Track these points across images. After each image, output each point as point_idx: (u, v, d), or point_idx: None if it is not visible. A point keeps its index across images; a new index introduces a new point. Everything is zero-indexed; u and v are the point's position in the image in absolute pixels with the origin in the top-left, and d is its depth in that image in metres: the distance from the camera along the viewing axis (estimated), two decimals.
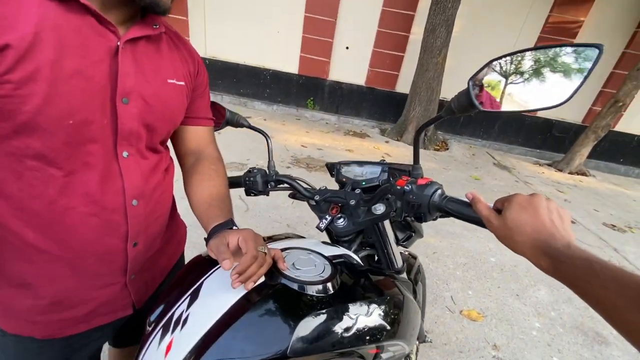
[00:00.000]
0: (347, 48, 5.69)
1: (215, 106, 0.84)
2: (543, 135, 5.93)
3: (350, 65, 5.80)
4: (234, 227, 0.63)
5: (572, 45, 0.46)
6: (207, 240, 0.61)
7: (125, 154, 0.55)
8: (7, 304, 0.56)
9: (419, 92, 4.90)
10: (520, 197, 0.46)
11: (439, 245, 2.49)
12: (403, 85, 5.68)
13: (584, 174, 5.25)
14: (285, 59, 5.83)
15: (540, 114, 5.78)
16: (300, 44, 5.68)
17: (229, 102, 6.02)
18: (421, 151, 5.12)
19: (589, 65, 0.44)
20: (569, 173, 5.18)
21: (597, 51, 0.43)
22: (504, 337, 1.74)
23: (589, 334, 1.85)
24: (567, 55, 0.46)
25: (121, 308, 0.65)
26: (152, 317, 0.55)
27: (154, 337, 0.51)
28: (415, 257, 1.05)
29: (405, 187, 0.60)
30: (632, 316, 0.29)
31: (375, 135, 5.41)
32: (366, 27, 5.47)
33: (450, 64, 4.84)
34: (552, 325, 1.88)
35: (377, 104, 5.99)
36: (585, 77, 0.44)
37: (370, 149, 4.66)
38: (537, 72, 0.49)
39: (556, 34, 5.17)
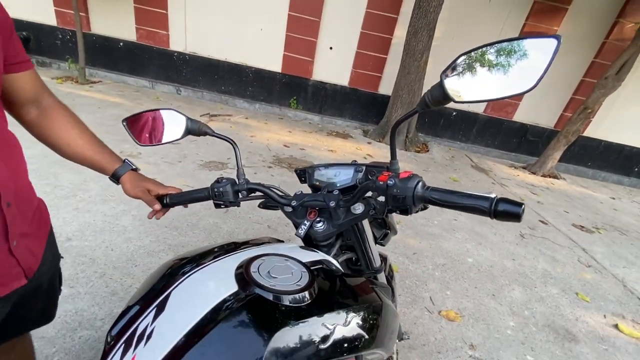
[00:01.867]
0: (330, 48, 5.68)
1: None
2: (518, 139, 6.15)
3: (333, 65, 5.80)
4: (134, 167, 0.83)
5: (534, 36, 0.48)
6: (116, 179, 0.81)
7: None
8: None
9: (401, 94, 4.96)
10: None
11: (419, 246, 2.52)
12: (386, 87, 5.74)
13: (555, 176, 5.49)
14: (268, 57, 5.76)
15: (516, 118, 5.99)
16: (284, 42, 5.63)
17: (209, 99, 5.88)
18: (403, 152, 5.20)
19: (550, 54, 0.46)
20: (541, 176, 5.39)
21: (555, 41, 0.46)
22: (480, 337, 1.77)
23: (560, 332, 1.92)
24: (530, 46, 0.49)
25: (14, 278, 0.64)
26: (114, 332, 0.51)
27: (114, 354, 0.47)
28: (385, 257, 1.06)
29: (388, 181, 0.60)
30: None
31: (357, 136, 5.44)
32: (350, 28, 5.49)
33: (431, 67, 4.93)
34: (526, 324, 1.94)
35: (360, 105, 6.02)
36: (548, 65, 0.47)
37: (352, 149, 4.68)
38: (503, 63, 0.51)
39: None
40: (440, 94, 0.55)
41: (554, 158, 5.39)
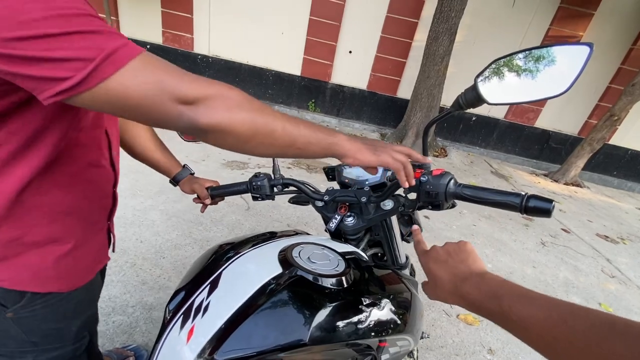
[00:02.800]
0: (350, 52, 5.73)
1: None
2: (540, 146, 6.01)
3: (352, 69, 5.84)
4: (192, 172, 0.94)
5: (566, 43, 0.51)
6: (176, 182, 0.91)
7: None
8: (37, 265, 0.58)
9: (420, 99, 4.95)
10: (423, 258, 0.52)
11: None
12: (404, 90, 5.74)
13: (578, 185, 5.33)
14: (288, 60, 5.86)
15: (538, 124, 5.87)
16: (304, 46, 5.72)
17: None
18: None
19: (582, 60, 0.49)
20: (564, 184, 5.25)
21: (588, 49, 0.49)
22: (499, 342, 1.77)
23: None
24: (561, 53, 0.51)
25: (105, 254, 0.74)
26: (171, 305, 0.57)
27: (174, 324, 0.53)
28: (407, 257, 1.09)
29: (421, 178, 0.64)
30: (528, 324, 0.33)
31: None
32: (370, 32, 5.53)
33: (451, 71, 4.91)
34: None
35: (378, 108, 6.04)
36: (580, 71, 0.49)
37: None
38: (534, 68, 0.54)
39: None
40: (474, 96, 0.59)
41: (578, 166, 5.25)
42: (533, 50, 0.54)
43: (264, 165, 3.39)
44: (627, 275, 2.78)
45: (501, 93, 0.57)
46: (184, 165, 0.93)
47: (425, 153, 0.73)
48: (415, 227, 0.63)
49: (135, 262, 1.79)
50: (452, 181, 0.63)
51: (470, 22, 5.16)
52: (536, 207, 0.52)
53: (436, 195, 0.63)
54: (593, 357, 0.27)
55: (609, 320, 0.28)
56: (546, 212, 0.51)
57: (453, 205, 0.68)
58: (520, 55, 0.55)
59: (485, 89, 0.58)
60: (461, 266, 0.47)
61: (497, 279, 0.42)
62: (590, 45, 0.48)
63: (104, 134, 0.63)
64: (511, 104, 0.56)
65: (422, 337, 1.22)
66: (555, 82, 0.51)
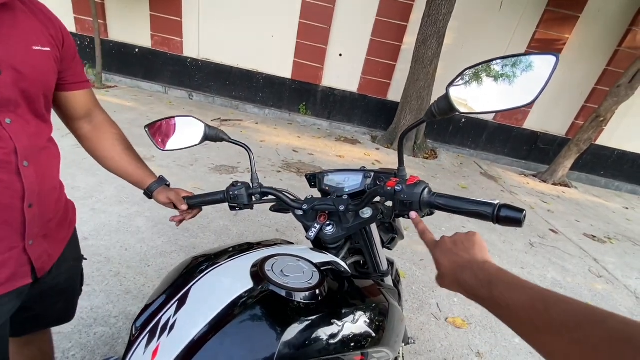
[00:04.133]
0: (340, 55, 5.75)
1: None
2: (529, 147, 6.09)
3: (343, 72, 5.86)
4: (167, 183, 0.91)
5: (534, 53, 0.52)
6: (150, 192, 0.88)
7: (7, 120, 0.58)
8: None
9: (410, 101, 4.99)
10: (432, 248, 0.54)
11: (426, 252, 2.50)
12: (394, 93, 5.77)
13: (566, 185, 5.41)
14: (279, 63, 5.86)
15: (526, 125, 5.95)
16: (294, 49, 5.72)
17: (221, 104, 6.00)
18: (411, 159, 5.19)
19: (549, 70, 0.49)
20: (552, 184, 5.33)
21: (554, 58, 0.49)
22: (488, 345, 1.77)
23: None
24: (530, 63, 0.52)
25: (21, 276, 0.66)
26: (138, 323, 0.55)
27: (139, 343, 0.51)
28: (392, 262, 1.08)
29: (396, 187, 0.63)
30: (521, 314, 0.34)
31: (366, 142, 5.47)
32: (360, 35, 5.55)
33: (440, 74, 4.95)
34: None
35: (369, 111, 6.06)
36: (547, 81, 0.50)
37: (360, 155, 4.70)
38: (505, 78, 0.54)
39: (542, 49, 5.34)
40: (446, 105, 0.59)
41: (565, 166, 5.33)
42: (502, 60, 0.54)
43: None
44: (614, 274, 2.82)
45: (472, 102, 0.56)
46: (160, 177, 0.90)
47: (401, 162, 0.72)
48: (413, 215, 0.62)
49: (119, 271, 1.75)
50: (427, 190, 0.62)
51: (458, 26, 5.22)
52: (508, 217, 0.52)
53: (410, 204, 0.63)
54: (568, 343, 0.29)
55: (588, 311, 0.29)
56: (517, 222, 0.51)
57: (430, 213, 0.67)
58: (491, 64, 0.55)
59: (457, 98, 0.57)
60: (464, 255, 0.49)
61: (494, 268, 0.44)
62: (556, 55, 0.48)
63: (7, 141, 0.58)
64: (481, 114, 0.56)
65: (407, 343, 1.21)
66: (524, 92, 0.51)
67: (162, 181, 0.89)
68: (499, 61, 0.54)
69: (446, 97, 0.58)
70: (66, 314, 0.93)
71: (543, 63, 0.49)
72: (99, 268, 1.74)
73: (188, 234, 2.16)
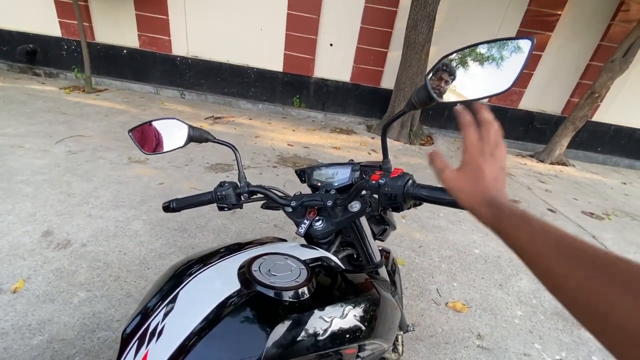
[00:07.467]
0: (331, 45, 5.68)
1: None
2: (525, 127, 6.07)
3: (335, 62, 5.79)
4: None
5: (509, 38, 0.50)
6: None
7: None
8: None
9: (403, 88, 4.94)
10: (472, 158, 0.50)
11: (425, 239, 2.53)
12: (388, 81, 5.72)
13: (564, 164, 5.41)
14: (269, 57, 5.79)
15: (521, 106, 5.92)
16: (284, 41, 5.64)
17: (213, 102, 5.94)
18: (407, 146, 5.17)
19: (525, 54, 0.48)
20: (549, 163, 5.33)
21: (529, 42, 0.47)
22: (488, 327, 1.79)
23: (569, 320, 1.92)
24: (506, 48, 0.50)
25: None
26: (128, 330, 0.55)
27: (129, 350, 0.51)
28: (389, 252, 1.08)
29: (379, 180, 0.63)
30: (551, 263, 0.33)
31: (361, 132, 5.44)
32: (349, 23, 5.47)
33: (433, 59, 4.89)
34: (534, 312, 1.95)
35: (362, 100, 6.01)
36: (523, 66, 0.48)
37: (356, 145, 4.69)
38: (483, 64, 0.53)
39: (535, 27, 5.28)
40: (425, 95, 0.57)
41: (562, 145, 5.32)
42: (480, 46, 0.53)
43: (248, 166, 3.35)
44: (612, 250, 2.83)
45: (450, 91, 0.55)
46: None
47: (385, 154, 0.72)
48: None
49: (119, 275, 1.76)
50: (410, 182, 0.62)
51: (448, 8, 5.15)
52: None
53: (395, 197, 0.62)
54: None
55: (592, 252, 0.29)
56: None
57: (416, 205, 0.67)
58: (468, 51, 0.54)
59: (435, 88, 0.56)
60: (497, 182, 0.47)
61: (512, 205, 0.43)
62: (531, 38, 0.47)
63: None
64: (460, 103, 0.55)
65: (407, 331, 1.22)
66: (501, 78, 0.50)
67: None
68: (474, 47, 0.53)
69: (425, 87, 0.57)
70: None
71: (519, 47, 0.48)
72: (99, 274, 1.75)
73: (186, 234, 2.16)
